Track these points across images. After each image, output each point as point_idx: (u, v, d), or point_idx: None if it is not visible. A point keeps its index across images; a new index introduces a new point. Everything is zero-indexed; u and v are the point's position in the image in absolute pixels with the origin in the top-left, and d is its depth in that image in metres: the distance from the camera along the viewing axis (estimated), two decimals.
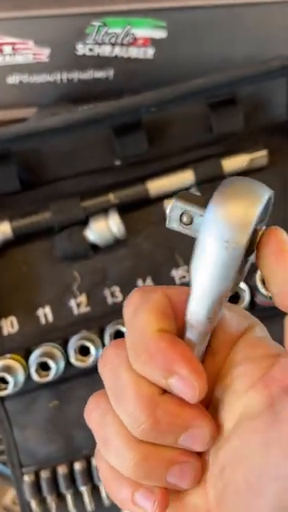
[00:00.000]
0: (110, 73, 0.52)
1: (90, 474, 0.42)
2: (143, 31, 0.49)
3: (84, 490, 0.42)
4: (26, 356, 0.41)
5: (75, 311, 0.43)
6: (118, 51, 0.50)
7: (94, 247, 0.44)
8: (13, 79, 0.52)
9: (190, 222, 0.19)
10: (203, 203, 0.19)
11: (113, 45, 0.50)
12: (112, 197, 0.44)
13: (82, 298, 0.43)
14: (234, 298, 0.41)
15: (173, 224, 0.20)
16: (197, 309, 0.20)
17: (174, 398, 0.20)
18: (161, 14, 0.47)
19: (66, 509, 0.43)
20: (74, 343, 0.40)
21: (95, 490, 0.43)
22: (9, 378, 0.38)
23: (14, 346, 0.42)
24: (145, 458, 0.20)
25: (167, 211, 0.20)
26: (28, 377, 0.41)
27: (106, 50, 0.50)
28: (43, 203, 0.43)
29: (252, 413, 0.19)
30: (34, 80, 0.52)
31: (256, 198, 0.19)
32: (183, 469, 0.20)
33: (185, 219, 0.19)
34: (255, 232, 0.19)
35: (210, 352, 0.21)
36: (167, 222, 0.20)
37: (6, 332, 0.42)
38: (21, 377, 0.39)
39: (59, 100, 0.54)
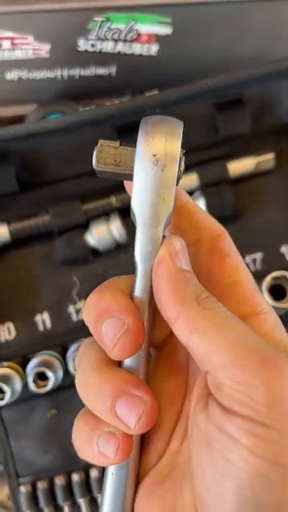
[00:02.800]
0: (113, 69, 0.51)
1: (88, 486, 0.41)
2: (147, 27, 0.47)
3: (82, 502, 0.41)
4: (24, 363, 0.40)
5: (74, 318, 0.42)
6: (120, 47, 0.49)
7: (95, 252, 0.42)
8: (12, 75, 0.50)
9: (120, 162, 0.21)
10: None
11: (116, 41, 0.48)
12: (114, 200, 0.42)
13: (82, 304, 0.42)
14: None
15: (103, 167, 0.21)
16: (143, 242, 0.21)
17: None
18: (166, 9, 0.45)
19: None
20: (72, 352, 0.39)
21: (93, 503, 0.41)
22: (5, 388, 0.37)
23: (11, 354, 0.41)
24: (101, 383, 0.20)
25: (95, 153, 0.22)
26: (25, 385, 0.39)
27: (108, 46, 0.49)
28: (42, 205, 0.42)
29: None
30: (34, 76, 0.50)
31: (177, 122, 0.22)
32: (132, 400, 0.20)
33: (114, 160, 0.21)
34: (180, 162, 0.21)
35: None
36: (96, 163, 0.21)
37: (2, 339, 0.41)
38: (18, 386, 0.38)
39: (59, 97, 0.53)
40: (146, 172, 0.20)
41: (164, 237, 0.21)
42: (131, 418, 0.20)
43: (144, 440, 0.23)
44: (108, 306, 0.20)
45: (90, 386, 0.21)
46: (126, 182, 0.22)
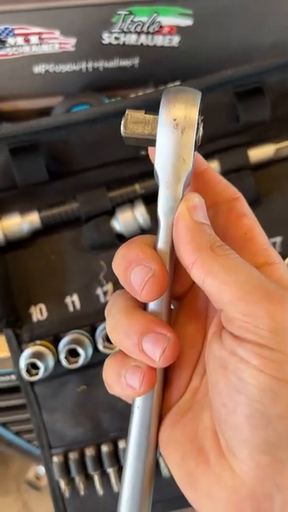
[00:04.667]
0: (136, 61, 0.52)
1: (116, 457, 0.44)
2: (169, 19, 0.49)
3: (111, 471, 0.44)
4: (55, 342, 0.43)
5: (102, 299, 0.44)
6: (143, 39, 0.50)
7: (120, 237, 0.44)
8: (39, 69, 0.52)
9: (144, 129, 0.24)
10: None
11: (138, 33, 0.50)
12: (138, 187, 0.44)
13: (109, 287, 0.44)
14: None
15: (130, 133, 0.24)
16: (165, 199, 0.23)
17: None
18: (188, 1, 0.47)
19: (94, 489, 0.44)
20: (101, 331, 0.41)
21: (121, 472, 0.44)
22: (39, 363, 0.39)
23: (43, 333, 0.43)
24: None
25: (123, 121, 0.24)
26: (57, 362, 0.42)
27: (131, 39, 0.50)
28: (71, 193, 0.44)
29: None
30: (60, 69, 0.52)
31: (196, 92, 0.24)
32: (156, 337, 0.23)
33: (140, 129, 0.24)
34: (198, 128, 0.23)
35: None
36: (123, 130, 0.24)
37: (35, 319, 0.43)
38: (50, 362, 0.41)
39: (85, 89, 0.55)
40: (167, 135, 0.23)
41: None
42: (156, 352, 0.23)
43: (167, 379, 0.26)
44: (136, 256, 0.23)
45: (120, 327, 0.23)
46: (150, 150, 0.25)
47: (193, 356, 0.25)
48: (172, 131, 0.23)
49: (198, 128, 0.23)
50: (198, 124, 0.23)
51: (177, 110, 0.23)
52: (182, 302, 0.27)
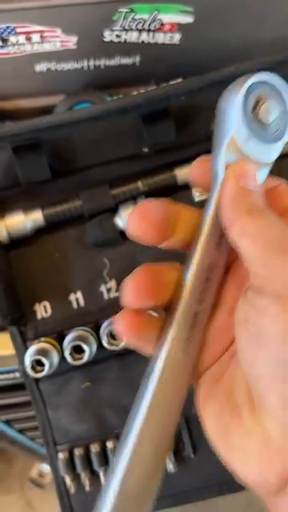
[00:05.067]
0: (137, 59, 0.53)
1: None
2: (170, 16, 0.49)
3: None
4: (59, 339, 0.43)
5: (106, 296, 0.44)
6: (144, 37, 0.50)
7: (123, 234, 0.45)
8: (41, 67, 0.52)
9: None
10: None
11: (140, 31, 0.50)
12: (140, 184, 0.44)
13: (112, 284, 0.45)
14: None
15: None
16: (215, 160, 0.25)
17: None
18: None
19: (100, 485, 0.45)
20: (105, 328, 0.42)
21: None
22: (44, 360, 0.40)
23: (48, 330, 0.43)
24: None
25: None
26: (61, 359, 0.42)
27: (132, 36, 0.50)
28: (74, 191, 0.44)
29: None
30: (62, 67, 0.53)
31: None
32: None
33: None
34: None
35: None
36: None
37: (39, 316, 0.44)
38: (55, 359, 0.41)
39: (86, 86, 0.55)
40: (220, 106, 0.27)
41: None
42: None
43: (207, 339, 0.27)
44: None
45: None
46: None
47: (232, 324, 0.26)
48: (225, 101, 0.27)
49: None
50: None
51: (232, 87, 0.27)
52: (229, 271, 0.28)
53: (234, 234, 0.24)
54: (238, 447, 0.24)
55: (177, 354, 0.25)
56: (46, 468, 1.26)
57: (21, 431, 0.79)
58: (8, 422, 0.74)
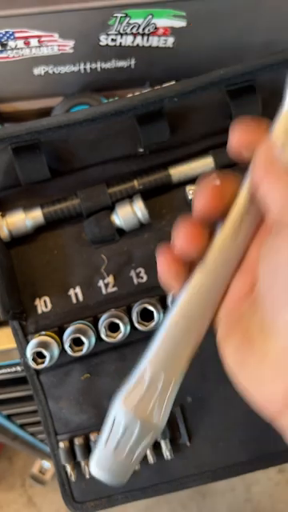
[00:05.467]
0: (132, 62, 0.54)
1: None
2: (164, 21, 0.50)
3: None
4: (59, 333, 0.45)
5: (104, 291, 0.46)
6: (139, 41, 0.52)
7: (120, 231, 0.46)
8: (39, 70, 0.54)
9: None
10: None
11: (134, 35, 0.52)
12: (136, 183, 0.46)
13: (110, 279, 0.46)
14: None
15: None
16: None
17: None
18: (181, 4, 0.49)
19: None
20: (103, 321, 0.43)
21: None
22: (45, 352, 0.41)
23: (48, 324, 0.45)
24: None
25: None
26: (61, 352, 0.44)
27: (127, 40, 0.52)
28: (72, 190, 0.46)
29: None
30: (59, 70, 0.54)
31: None
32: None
33: None
34: None
35: None
36: None
37: (40, 311, 0.45)
38: (56, 351, 0.43)
39: (83, 89, 0.57)
40: None
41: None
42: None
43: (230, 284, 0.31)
44: None
45: None
46: None
47: (254, 269, 0.30)
48: None
49: None
50: None
51: None
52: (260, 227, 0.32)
53: (264, 190, 0.27)
54: (253, 373, 0.27)
55: (227, 243, 0.30)
56: (46, 465, 1.27)
57: (22, 426, 0.81)
58: (9, 417, 0.75)
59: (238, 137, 0.30)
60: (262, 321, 0.28)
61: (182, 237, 0.30)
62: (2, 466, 1.40)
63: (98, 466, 0.29)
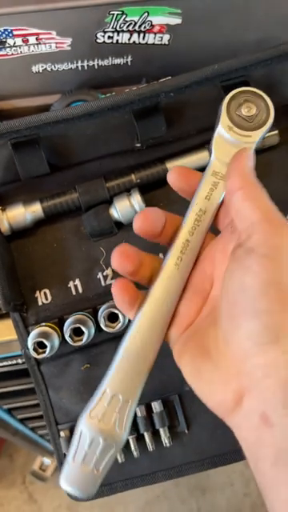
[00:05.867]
0: (129, 59, 0.55)
1: None
2: (159, 18, 0.51)
3: None
4: (59, 324, 0.46)
5: (102, 283, 0.47)
6: (135, 38, 0.53)
7: (119, 224, 0.47)
8: (37, 68, 0.55)
9: None
10: None
11: (131, 32, 0.52)
12: (134, 177, 0.47)
13: (109, 271, 0.47)
14: None
15: None
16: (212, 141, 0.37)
17: None
18: (176, 1, 0.50)
19: None
20: (103, 311, 0.44)
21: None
22: (46, 342, 0.42)
23: (48, 316, 0.46)
24: None
25: None
26: (62, 343, 0.45)
27: (124, 37, 0.53)
28: (71, 185, 0.47)
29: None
30: (57, 68, 0.55)
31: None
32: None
33: None
34: None
35: None
36: None
37: (40, 303, 0.46)
38: (56, 342, 0.44)
39: (81, 86, 0.57)
40: None
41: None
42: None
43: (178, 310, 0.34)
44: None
45: None
46: None
47: (203, 290, 0.34)
48: None
49: None
50: None
51: None
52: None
53: (238, 198, 0.31)
54: (206, 379, 0.30)
55: (172, 268, 0.34)
56: (47, 461, 1.28)
57: (22, 421, 0.82)
58: (10, 412, 0.76)
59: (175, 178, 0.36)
60: (217, 335, 0.30)
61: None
62: (2, 464, 1.41)
63: (67, 480, 0.31)
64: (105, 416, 0.32)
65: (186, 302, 0.34)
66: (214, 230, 0.36)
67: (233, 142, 0.36)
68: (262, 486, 0.26)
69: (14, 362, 0.54)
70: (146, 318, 0.33)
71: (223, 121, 0.36)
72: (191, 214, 0.35)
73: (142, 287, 0.35)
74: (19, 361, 0.54)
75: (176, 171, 0.36)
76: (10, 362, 0.54)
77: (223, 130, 0.36)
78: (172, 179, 0.36)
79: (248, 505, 1.37)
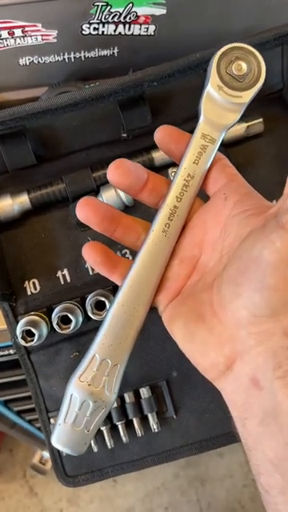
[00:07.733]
0: (115, 50, 0.56)
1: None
2: (144, 9, 0.52)
3: (104, 429, 0.47)
4: (48, 313, 0.46)
5: (90, 272, 0.47)
6: (121, 29, 0.53)
7: None
8: (24, 60, 0.55)
9: None
10: None
11: (116, 23, 0.53)
12: None
13: None
14: None
15: None
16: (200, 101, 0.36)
17: None
18: None
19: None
20: (90, 299, 0.45)
21: (114, 430, 0.48)
22: (34, 330, 0.43)
23: (37, 305, 0.47)
24: None
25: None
26: (51, 331, 0.45)
27: (109, 29, 0.53)
28: (58, 175, 0.47)
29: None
30: (44, 60, 0.55)
31: None
32: None
33: None
34: None
35: None
36: None
37: (29, 292, 0.47)
38: (44, 330, 0.44)
39: (68, 78, 0.58)
40: None
41: None
42: None
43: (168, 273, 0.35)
44: None
45: None
46: None
47: (192, 257, 0.34)
48: None
49: None
50: None
51: None
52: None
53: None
54: (199, 343, 0.30)
55: (159, 234, 0.34)
56: (46, 455, 1.29)
57: (19, 414, 0.82)
58: (6, 404, 0.77)
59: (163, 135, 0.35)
60: (213, 299, 0.31)
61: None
62: (3, 458, 1.42)
63: (59, 440, 0.33)
64: (94, 380, 0.33)
65: (173, 269, 0.34)
66: (201, 195, 0.36)
67: (222, 102, 0.34)
68: (248, 444, 0.28)
69: (6, 352, 0.55)
70: (133, 284, 0.33)
71: (213, 80, 0.34)
72: (179, 179, 0.34)
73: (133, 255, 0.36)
74: (11, 351, 0.55)
75: (163, 130, 0.35)
76: (2, 353, 0.55)
77: (212, 90, 0.34)
78: (159, 139, 0.35)
79: (247, 496, 1.38)
